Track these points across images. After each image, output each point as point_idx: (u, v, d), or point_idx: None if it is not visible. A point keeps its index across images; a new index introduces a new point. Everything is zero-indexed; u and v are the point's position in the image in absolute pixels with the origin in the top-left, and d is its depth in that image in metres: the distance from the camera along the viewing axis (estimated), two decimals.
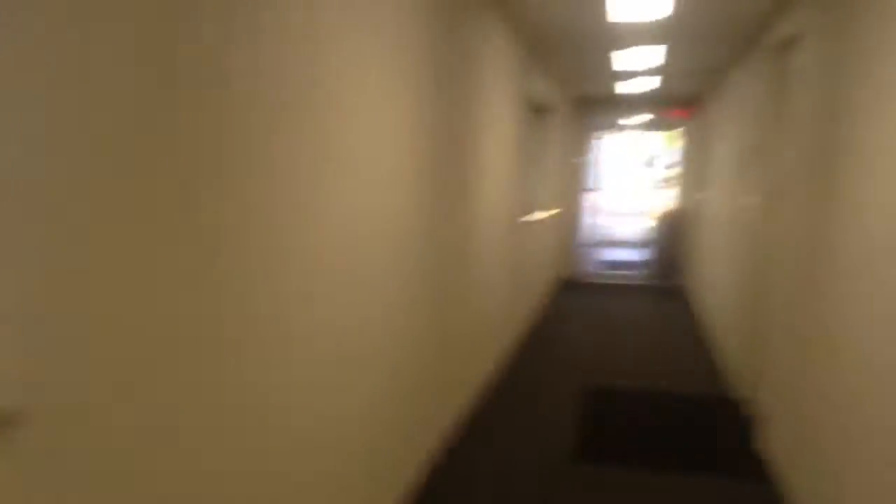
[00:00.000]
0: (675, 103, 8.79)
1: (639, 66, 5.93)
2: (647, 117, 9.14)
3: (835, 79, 2.68)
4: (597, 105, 9.08)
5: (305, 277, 1.83)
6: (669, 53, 5.38)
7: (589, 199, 9.82)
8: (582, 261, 9.56)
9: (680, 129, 9.23)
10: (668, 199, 9.77)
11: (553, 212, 7.95)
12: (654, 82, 6.96)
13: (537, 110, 6.60)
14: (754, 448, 3.62)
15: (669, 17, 4.23)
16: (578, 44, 5.16)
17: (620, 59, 5.70)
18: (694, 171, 8.60)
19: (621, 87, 7.68)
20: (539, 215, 6.84)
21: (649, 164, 9.33)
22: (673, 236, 9.03)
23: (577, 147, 9.25)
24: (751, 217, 4.32)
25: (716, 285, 5.96)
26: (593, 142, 9.82)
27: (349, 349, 2.17)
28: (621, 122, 9.79)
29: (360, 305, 2.24)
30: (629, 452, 3.56)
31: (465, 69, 3.47)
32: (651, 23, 4.38)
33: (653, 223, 9.42)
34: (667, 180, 9.96)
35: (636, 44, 5.01)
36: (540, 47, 5.51)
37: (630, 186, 13.24)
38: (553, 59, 6.12)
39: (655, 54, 5.32)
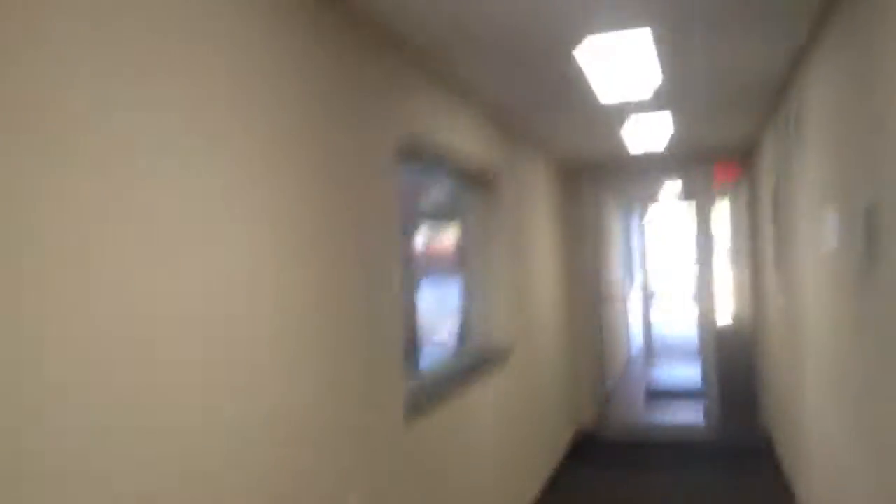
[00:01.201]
0: (714, 160, 6.07)
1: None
2: (678, 183, 6.42)
3: None
4: (608, 172, 6.40)
5: None
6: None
7: (623, 302, 6.98)
8: (615, 398, 6.59)
9: (727, 196, 6.45)
10: (729, 299, 6.82)
11: (548, 333, 5.15)
12: (667, 122, 4.34)
13: (477, 181, 4.01)
14: None
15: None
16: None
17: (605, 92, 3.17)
18: (755, 256, 5.74)
19: (634, 145, 5.07)
20: (506, 345, 4.08)
21: (701, 247, 6.52)
22: (742, 358, 6.00)
23: (589, 230, 6.51)
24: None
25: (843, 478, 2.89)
26: (618, 222, 7.12)
27: None
28: (654, 193, 7.12)
29: None
30: None
31: None
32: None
33: (709, 337, 6.43)
34: (727, 270, 7.05)
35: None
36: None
37: (679, 280, 10.31)
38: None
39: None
